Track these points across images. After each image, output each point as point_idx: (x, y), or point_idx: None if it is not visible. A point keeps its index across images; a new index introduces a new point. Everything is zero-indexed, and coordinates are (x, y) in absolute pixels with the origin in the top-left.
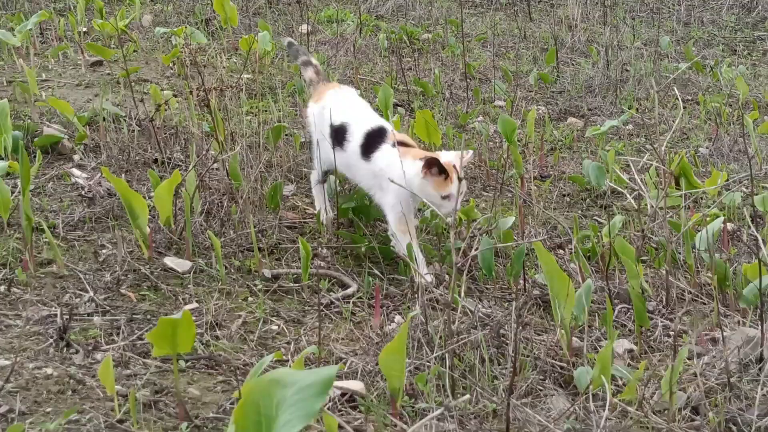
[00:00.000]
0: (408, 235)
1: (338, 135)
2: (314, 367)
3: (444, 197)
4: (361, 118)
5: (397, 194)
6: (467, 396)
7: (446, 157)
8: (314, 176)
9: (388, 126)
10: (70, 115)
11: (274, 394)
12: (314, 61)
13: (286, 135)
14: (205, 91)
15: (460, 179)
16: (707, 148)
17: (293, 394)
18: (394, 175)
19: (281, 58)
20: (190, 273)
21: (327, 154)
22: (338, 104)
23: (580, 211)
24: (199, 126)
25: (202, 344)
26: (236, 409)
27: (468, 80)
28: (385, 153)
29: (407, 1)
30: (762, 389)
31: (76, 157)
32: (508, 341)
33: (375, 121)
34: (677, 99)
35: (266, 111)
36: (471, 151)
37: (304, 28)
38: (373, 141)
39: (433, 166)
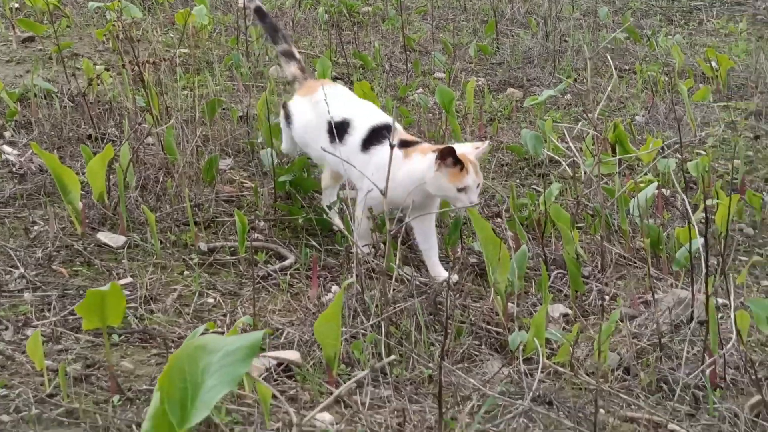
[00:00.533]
0: (367, 222)
1: (339, 130)
2: None
3: (460, 190)
4: (365, 113)
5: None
6: (392, 357)
7: (460, 149)
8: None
9: (395, 124)
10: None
11: (200, 359)
12: (297, 54)
13: (224, 109)
14: (137, 65)
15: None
16: (643, 116)
17: (219, 359)
18: (395, 175)
19: (219, 33)
20: (124, 248)
21: (302, 140)
22: (337, 99)
23: (518, 180)
24: (133, 101)
25: (137, 318)
26: (161, 376)
27: (408, 53)
28: (385, 151)
29: None
30: (691, 348)
31: (6, 134)
32: (444, 308)
33: (380, 117)
34: (613, 69)
35: (203, 85)
36: (487, 141)
37: (241, 1)
38: (376, 136)
39: (447, 157)
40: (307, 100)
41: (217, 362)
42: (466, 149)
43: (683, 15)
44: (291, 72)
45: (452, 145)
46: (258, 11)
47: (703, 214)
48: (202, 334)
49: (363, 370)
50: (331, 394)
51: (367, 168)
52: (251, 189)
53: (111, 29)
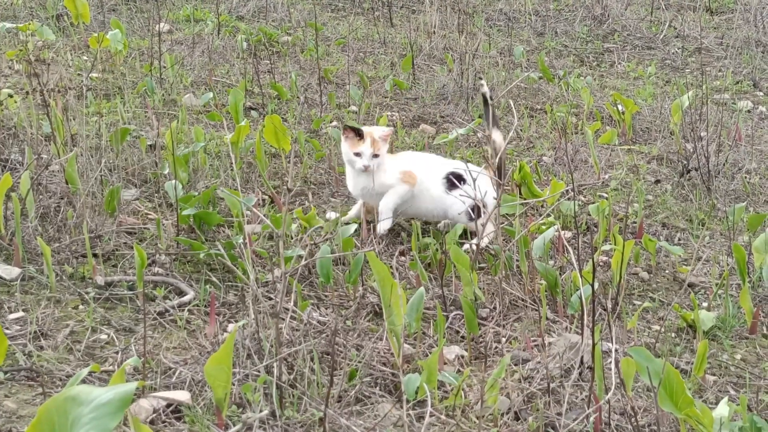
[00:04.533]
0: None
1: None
2: (140, 378)
3: (356, 154)
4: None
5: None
6: (264, 412)
7: (367, 129)
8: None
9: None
10: None
11: (70, 411)
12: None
13: (133, 137)
14: (41, 92)
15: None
16: (550, 157)
17: (89, 412)
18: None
19: (134, 58)
20: (17, 280)
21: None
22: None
23: (425, 218)
24: (38, 127)
25: (25, 355)
26: (29, 428)
27: (324, 85)
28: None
29: (268, 3)
30: (580, 393)
31: None
32: (341, 349)
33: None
34: (526, 108)
35: (114, 112)
36: (391, 128)
37: (162, 26)
38: None
39: (348, 131)
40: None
41: (87, 415)
42: (374, 129)
43: (596, 57)
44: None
45: (359, 126)
46: (484, 97)
47: (601, 257)
48: (87, 376)
49: (254, 411)
50: None
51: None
52: (155, 221)
53: (21, 52)
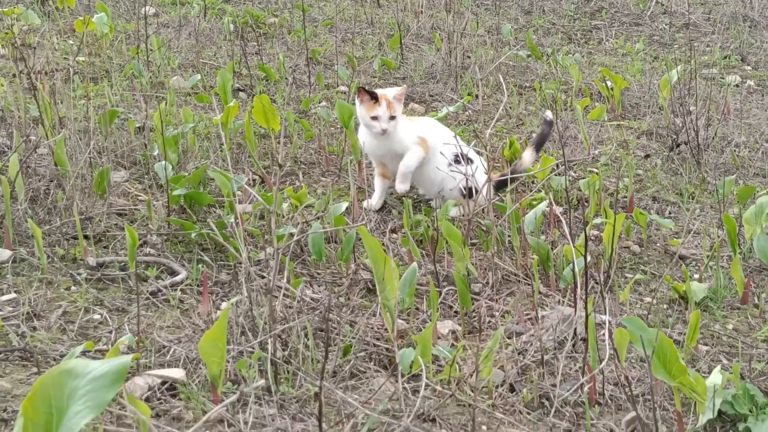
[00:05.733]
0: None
1: None
2: (133, 358)
3: (373, 118)
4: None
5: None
6: (261, 381)
7: (381, 91)
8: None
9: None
10: None
11: (66, 384)
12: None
13: (121, 120)
14: (29, 75)
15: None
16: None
17: (85, 384)
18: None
19: (120, 41)
20: (8, 262)
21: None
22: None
23: (416, 196)
24: (26, 110)
25: (18, 336)
26: (25, 401)
27: (312, 66)
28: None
29: None
30: (573, 365)
31: None
32: (335, 325)
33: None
34: (504, 86)
35: (101, 95)
36: (404, 86)
37: (148, 9)
38: None
39: (363, 93)
40: None
41: (83, 387)
42: (388, 91)
43: (584, 34)
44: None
45: (373, 89)
46: (546, 121)
47: (592, 232)
48: (81, 354)
49: (250, 387)
50: (216, 413)
51: None
52: (145, 202)
53: (6, 36)
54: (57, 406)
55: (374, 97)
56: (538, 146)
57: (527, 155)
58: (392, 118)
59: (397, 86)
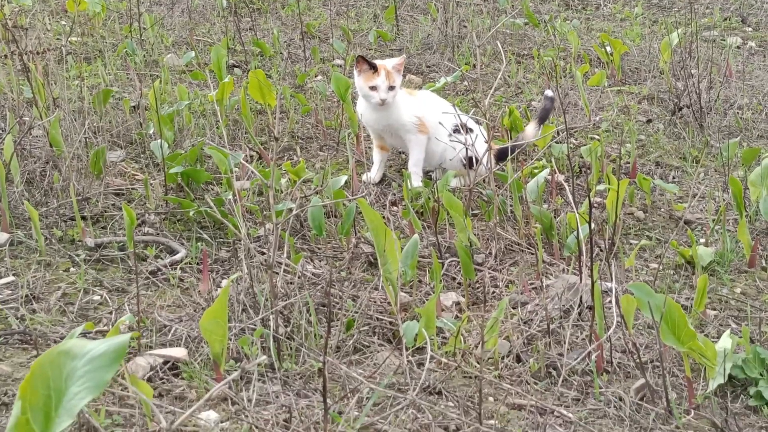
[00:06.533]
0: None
1: None
2: (134, 338)
3: (372, 88)
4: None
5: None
6: (263, 358)
7: (381, 62)
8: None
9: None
10: None
11: (64, 365)
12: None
13: (116, 99)
14: (21, 56)
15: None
16: (540, 101)
17: (83, 365)
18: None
19: (112, 20)
20: (6, 245)
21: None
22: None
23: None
24: (20, 92)
25: (18, 319)
26: (23, 383)
27: (307, 40)
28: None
29: None
30: (580, 333)
31: None
32: (337, 300)
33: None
34: (503, 54)
35: (95, 75)
36: (403, 56)
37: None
38: None
39: (362, 63)
40: None
41: (81, 368)
42: (387, 62)
43: (581, 0)
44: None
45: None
46: (548, 97)
47: (595, 199)
48: (81, 335)
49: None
50: (219, 390)
51: None
52: (142, 181)
53: None
54: (55, 387)
55: (373, 67)
56: (542, 120)
57: (530, 129)
58: (391, 88)
59: (396, 57)
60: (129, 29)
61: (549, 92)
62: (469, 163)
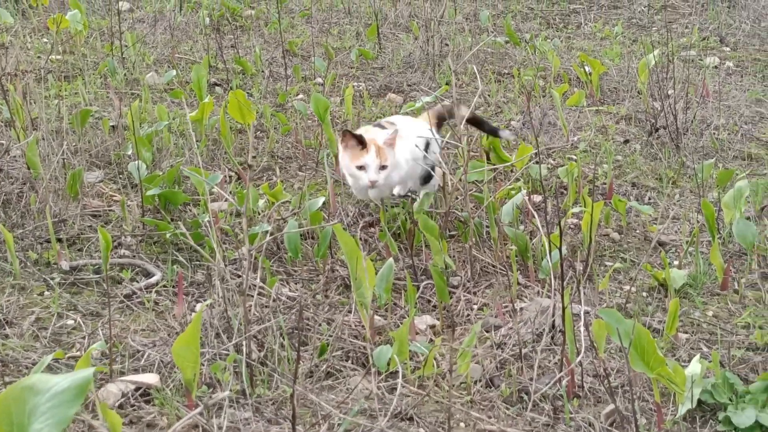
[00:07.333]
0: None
1: None
2: (107, 362)
3: (359, 167)
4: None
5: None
6: (225, 393)
7: (371, 135)
8: None
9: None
10: None
11: (27, 401)
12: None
13: (95, 119)
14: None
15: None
16: (519, 121)
17: (46, 400)
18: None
19: (94, 38)
20: None
21: None
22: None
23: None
24: None
25: None
26: None
27: (289, 58)
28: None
29: None
30: (552, 357)
31: None
32: (311, 324)
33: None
34: (493, 73)
35: (75, 93)
36: (395, 128)
37: (123, 5)
38: None
39: (348, 138)
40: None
41: (44, 404)
42: (377, 135)
43: (562, 18)
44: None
45: (356, 131)
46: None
47: (572, 220)
48: (54, 362)
49: (224, 391)
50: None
51: None
52: (119, 203)
53: None
54: (18, 423)
55: (361, 143)
56: (490, 132)
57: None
58: (383, 167)
59: (386, 122)
60: (110, 47)
61: (506, 133)
62: (427, 178)
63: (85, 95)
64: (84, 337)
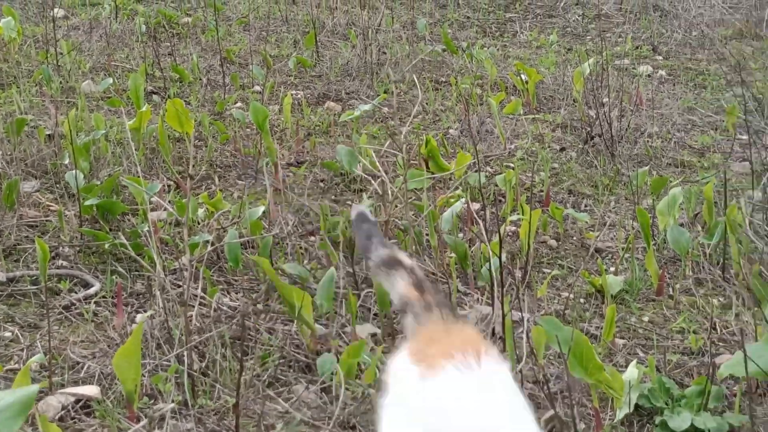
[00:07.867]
0: None
1: None
2: (46, 375)
3: None
4: None
5: None
6: (169, 405)
7: None
8: None
9: None
10: None
11: None
12: (407, 260)
13: (31, 128)
14: None
15: None
16: (457, 129)
17: None
18: None
19: (29, 45)
20: None
21: None
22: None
23: (334, 197)
24: None
25: None
26: None
27: (226, 66)
28: None
29: None
30: None
31: None
32: (253, 333)
33: None
34: (431, 81)
35: (9, 102)
36: None
37: (58, 12)
38: None
39: None
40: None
41: None
42: None
43: (498, 27)
44: (400, 290)
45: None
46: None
47: (510, 227)
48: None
49: (166, 402)
50: (130, 430)
51: None
52: (57, 213)
53: None
54: None
55: None
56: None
57: None
58: None
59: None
60: (45, 55)
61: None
62: None
63: (20, 103)
64: (22, 350)
